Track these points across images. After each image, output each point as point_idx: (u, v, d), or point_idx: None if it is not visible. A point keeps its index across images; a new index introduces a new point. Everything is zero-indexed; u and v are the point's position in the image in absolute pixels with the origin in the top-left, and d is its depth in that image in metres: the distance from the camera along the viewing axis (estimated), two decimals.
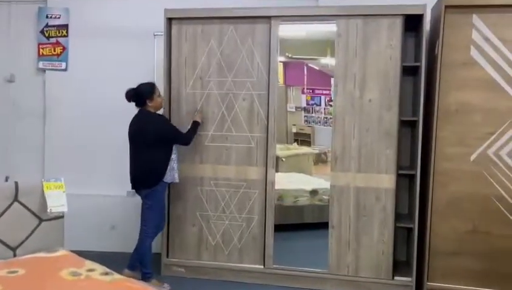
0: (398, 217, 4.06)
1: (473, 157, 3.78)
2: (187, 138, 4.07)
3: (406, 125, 4.15)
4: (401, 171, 4.04)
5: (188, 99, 4.28)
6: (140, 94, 3.97)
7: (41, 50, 4.97)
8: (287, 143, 4.72)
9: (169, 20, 4.26)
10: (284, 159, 4.54)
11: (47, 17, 4.95)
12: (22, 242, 3.03)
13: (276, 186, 4.19)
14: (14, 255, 2.98)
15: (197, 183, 4.29)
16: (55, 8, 4.94)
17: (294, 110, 4.81)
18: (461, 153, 3.79)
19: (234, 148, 4.22)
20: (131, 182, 4.04)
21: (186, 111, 4.28)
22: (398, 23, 3.89)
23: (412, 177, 4.09)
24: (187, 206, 4.32)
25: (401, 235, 4.25)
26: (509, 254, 3.20)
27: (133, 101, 3.98)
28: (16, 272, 2.65)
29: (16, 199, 3.01)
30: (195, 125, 4.13)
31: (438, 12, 3.83)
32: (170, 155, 3.98)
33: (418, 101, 3.97)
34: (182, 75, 4.28)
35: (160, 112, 4.17)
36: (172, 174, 4.02)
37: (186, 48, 4.26)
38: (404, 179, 4.18)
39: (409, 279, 3.99)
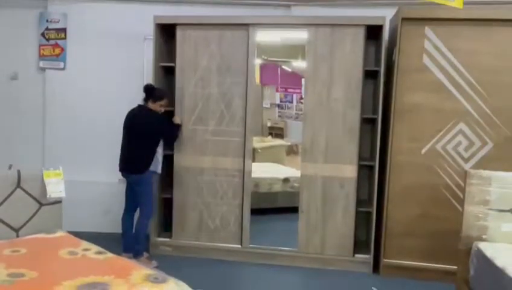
0: (359, 202, 4.12)
1: (423, 151, 3.84)
2: (175, 138, 4.16)
3: (367, 122, 4.20)
4: (362, 163, 4.09)
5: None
6: (151, 93, 3.95)
7: (42, 51, 4.88)
8: (263, 136, 4.74)
9: (158, 26, 4.22)
10: (260, 150, 4.56)
11: (47, 21, 4.86)
12: (24, 224, 3.01)
13: (252, 175, 4.20)
14: (17, 236, 2.96)
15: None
16: (55, 13, 4.84)
17: (269, 106, 4.83)
18: (414, 147, 3.85)
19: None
20: (120, 166, 4.02)
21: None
22: (361, 32, 3.93)
23: (371, 168, 4.14)
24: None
25: (362, 218, 4.30)
26: (453, 234, 3.28)
27: (144, 93, 3.96)
28: (19, 251, 2.64)
29: (18, 185, 2.98)
30: (178, 126, 4.17)
31: (395, 24, 3.88)
32: (156, 148, 3.99)
33: (377, 101, 4.02)
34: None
35: None
36: (157, 165, 4.03)
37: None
38: (364, 170, 4.23)
39: (367, 256, 4.07)
